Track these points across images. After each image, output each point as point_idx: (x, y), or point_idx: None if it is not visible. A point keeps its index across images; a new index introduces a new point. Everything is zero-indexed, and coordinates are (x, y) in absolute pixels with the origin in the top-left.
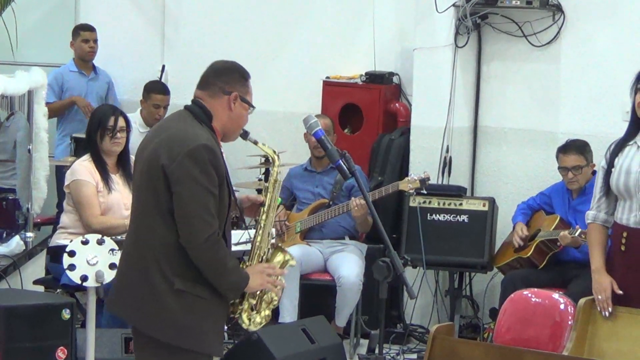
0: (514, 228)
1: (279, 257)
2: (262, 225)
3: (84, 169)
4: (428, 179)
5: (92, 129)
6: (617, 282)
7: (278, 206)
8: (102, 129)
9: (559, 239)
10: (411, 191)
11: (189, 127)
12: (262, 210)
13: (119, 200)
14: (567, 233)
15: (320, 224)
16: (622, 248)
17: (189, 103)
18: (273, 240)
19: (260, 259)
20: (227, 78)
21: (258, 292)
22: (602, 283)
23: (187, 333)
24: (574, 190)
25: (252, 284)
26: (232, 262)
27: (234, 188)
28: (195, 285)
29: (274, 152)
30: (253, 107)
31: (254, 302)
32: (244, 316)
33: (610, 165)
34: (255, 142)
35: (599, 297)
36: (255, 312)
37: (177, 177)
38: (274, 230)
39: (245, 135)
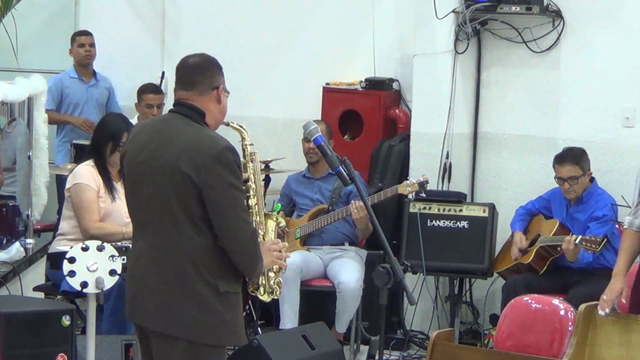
0: (512, 235)
1: (271, 223)
2: (255, 202)
3: (87, 173)
4: (427, 182)
5: (102, 139)
6: None
7: (278, 212)
8: (114, 143)
9: (562, 245)
10: (410, 195)
11: (200, 131)
12: (248, 186)
13: (120, 208)
14: (571, 240)
15: (320, 229)
16: None
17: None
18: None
19: (263, 236)
20: (210, 73)
21: (284, 267)
22: (614, 286)
23: (233, 331)
24: (571, 199)
25: (264, 262)
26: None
27: None
28: (233, 283)
29: (241, 127)
30: (229, 92)
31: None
32: (262, 290)
33: None
34: (227, 124)
35: (604, 297)
36: (270, 283)
37: (209, 185)
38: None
39: None
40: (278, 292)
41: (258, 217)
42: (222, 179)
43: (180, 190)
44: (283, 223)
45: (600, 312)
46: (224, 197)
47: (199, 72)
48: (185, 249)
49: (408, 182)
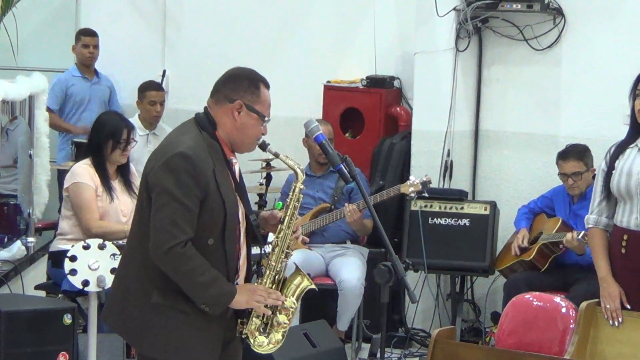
0: (516, 232)
1: (297, 280)
2: (276, 242)
3: (84, 172)
4: (429, 182)
5: (101, 137)
6: None
7: (280, 209)
8: (114, 141)
9: (563, 242)
10: (412, 194)
11: (179, 135)
12: (279, 227)
13: (117, 206)
14: (573, 236)
15: (322, 228)
16: (623, 251)
17: (189, 108)
18: (288, 260)
19: (273, 279)
20: (233, 85)
21: (266, 314)
22: (612, 292)
23: (172, 348)
24: (574, 195)
25: (238, 299)
26: (207, 275)
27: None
28: (177, 299)
29: (298, 166)
30: (263, 116)
31: (258, 322)
32: (250, 337)
33: (611, 167)
34: (277, 155)
35: (608, 306)
36: (264, 334)
37: (151, 187)
38: (292, 252)
39: (263, 146)
40: (261, 346)
41: (274, 260)
42: (161, 183)
43: (142, 194)
44: (314, 287)
45: (615, 324)
46: (155, 200)
47: (222, 81)
48: (134, 253)
49: (410, 181)
